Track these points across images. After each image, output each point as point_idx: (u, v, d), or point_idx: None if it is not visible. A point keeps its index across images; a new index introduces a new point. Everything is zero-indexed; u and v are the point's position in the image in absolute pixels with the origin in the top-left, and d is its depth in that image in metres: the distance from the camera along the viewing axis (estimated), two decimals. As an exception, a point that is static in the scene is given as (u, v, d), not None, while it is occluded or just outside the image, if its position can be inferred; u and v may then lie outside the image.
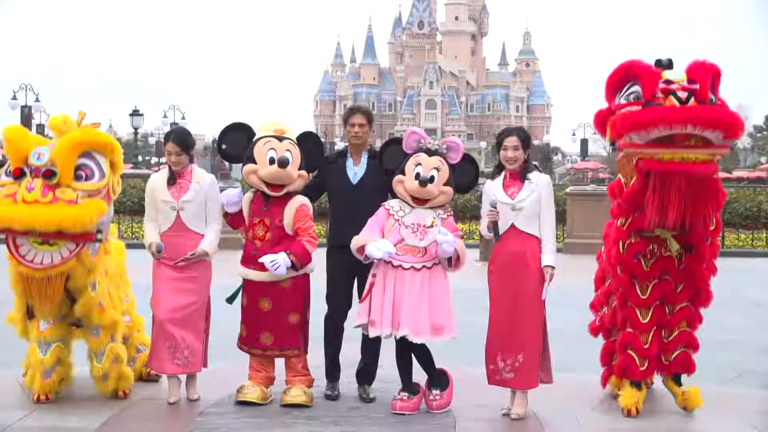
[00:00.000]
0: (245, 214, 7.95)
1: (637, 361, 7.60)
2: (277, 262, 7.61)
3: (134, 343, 8.49)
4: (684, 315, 7.70)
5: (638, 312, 7.65)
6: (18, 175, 7.26)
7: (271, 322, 7.83)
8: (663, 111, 7.01)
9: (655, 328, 7.63)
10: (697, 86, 7.12)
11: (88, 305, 7.60)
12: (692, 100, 7.04)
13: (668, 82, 7.18)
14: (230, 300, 7.97)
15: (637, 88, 7.31)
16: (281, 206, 7.82)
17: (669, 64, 7.41)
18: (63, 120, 7.63)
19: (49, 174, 7.17)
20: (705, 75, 7.27)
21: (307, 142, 8.13)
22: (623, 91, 7.44)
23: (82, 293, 7.55)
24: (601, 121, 7.72)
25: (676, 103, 7.01)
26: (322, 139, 8.67)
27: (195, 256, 7.86)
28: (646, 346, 7.59)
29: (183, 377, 8.02)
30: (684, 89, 7.08)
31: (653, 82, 7.21)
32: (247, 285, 7.91)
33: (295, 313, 7.88)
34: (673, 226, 7.24)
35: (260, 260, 7.66)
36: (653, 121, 6.99)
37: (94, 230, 7.35)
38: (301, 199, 7.90)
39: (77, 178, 7.34)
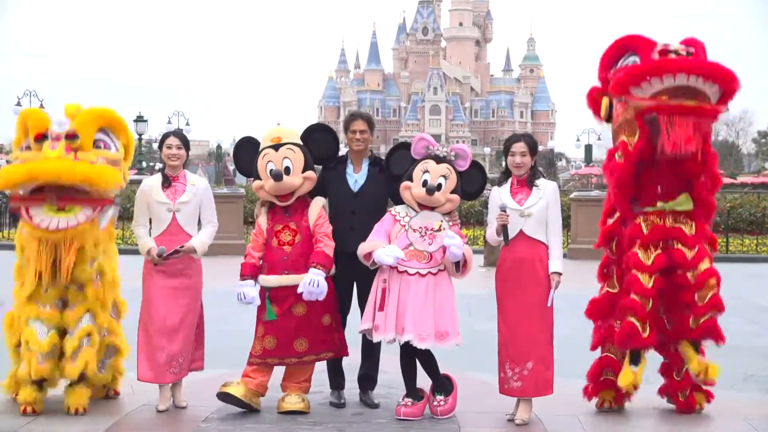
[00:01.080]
0: (263, 227, 7.89)
1: (639, 327, 7.50)
2: (314, 280, 7.56)
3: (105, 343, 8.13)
4: (708, 275, 7.59)
5: (640, 277, 7.58)
6: (39, 138, 7.48)
7: (306, 327, 7.75)
8: (667, 61, 7.30)
9: (655, 294, 7.57)
10: (693, 50, 7.46)
11: (85, 274, 7.65)
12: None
13: (666, 45, 7.46)
14: (270, 316, 7.78)
15: (634, 58, 7.52)
16: (303, 208, 7.84)
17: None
18: (77, 107, 7.78)
19: (71, 136, 7.40)
20: (698, 45, 7.59)
21: (316, 133, 8.13)
22: (619, 63, 7.66)
23: (82, 264, 7.63)
24: (594, 98, 7.88)
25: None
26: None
27: (183, 250, 7.79)
28: (648, 309, 7.51)
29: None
30: (685, 50, 7.43)
31: (651, 50, 7.45)
32: (279, 293, 7.76)
33: (327, 314, 7.85)
34: (693, 147, 7.31)
35: (300, 291, 7.58)
36: (658, 69, 7.22)
37: (112, 195, 7.59)
38: (321, 200, 7.93)
39: (95, 147, 7.58)
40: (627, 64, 7.54)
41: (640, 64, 7.44)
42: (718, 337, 7.61)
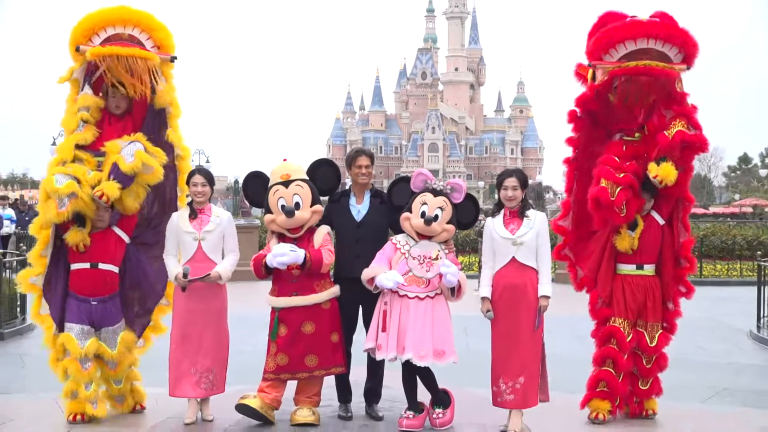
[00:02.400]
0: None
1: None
2: (292, 254, 7.54)
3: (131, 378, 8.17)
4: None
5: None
6: None
7: (315, 344, 7.72)
8: (628, 26, 7.57)
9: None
10: (658, 20, 7.61)
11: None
12: None
13: (634, 17, 7.66)
14: (274, 335, 7.76)
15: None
16: (310, 236, 7.82)
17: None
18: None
19: None
20: (667, 17, 7.70)
21: (322, 168, 8.13)
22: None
23: None
24: (579, 72, 8.01)
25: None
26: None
27: (209, 278, 7.79)
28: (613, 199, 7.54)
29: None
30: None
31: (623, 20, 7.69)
32: (289, 314, 7.72)
33: (335, 332, 7.84)
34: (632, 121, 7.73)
35: (278, 252, 7.57)
36: (620, 35, 7.53)
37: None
38: (326, 228, 7.93)
39: None
40: None
41: (607, 29, 7.65)
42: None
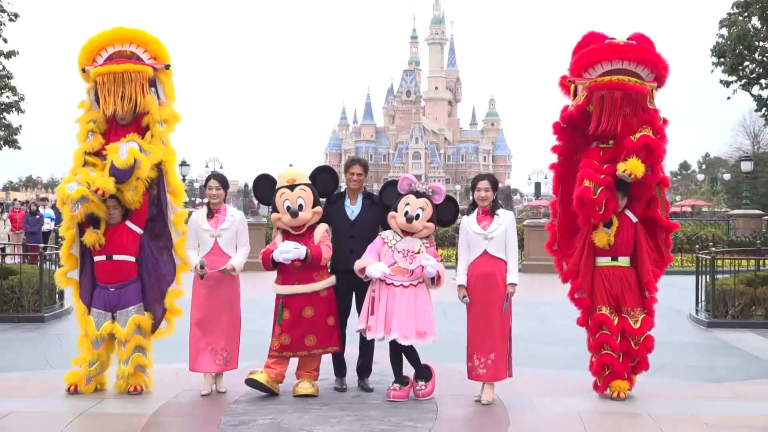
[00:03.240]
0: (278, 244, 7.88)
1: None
2: (295, 251, 7.59)
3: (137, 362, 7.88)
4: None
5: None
6: None
7: (314, 326, 7.73)
8: (604, 48, 7.52)
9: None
10: (634, 42, 7.55)
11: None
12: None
13: (612, 40, 7.63)
14: (280, 319, 7.78)
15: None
16: (310, 233, 7.83)
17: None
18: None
19: None
20: (644, 40, 7.64)
21: (322, 174, 8.14)
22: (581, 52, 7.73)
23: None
24: (564, 83, 7.92)
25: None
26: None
27: (225, 271, 7.81)
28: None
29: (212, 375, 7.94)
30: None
31: (602, 42, 7.64)
32: (291, 299, 7.73)
33: (331, 316, 7.84)
34: (608, 130, 7.53)
35: (283, 249, 7.63)
36: (597, 58, 7.49)
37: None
38: (324, 226, 7.93)
39: None
40: None
41: (586, 51, 7.60)
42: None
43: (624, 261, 7.81)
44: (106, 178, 7.53)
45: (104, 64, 7.72)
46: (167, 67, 7.96)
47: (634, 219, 7.80)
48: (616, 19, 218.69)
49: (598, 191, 7.43)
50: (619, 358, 7.70)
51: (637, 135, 7.45)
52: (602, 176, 7.51)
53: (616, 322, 7.70)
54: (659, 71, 7.59)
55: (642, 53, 7.49)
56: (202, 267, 7.76)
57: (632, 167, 7.37)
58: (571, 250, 7.98)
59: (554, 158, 8.04)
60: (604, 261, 7.82)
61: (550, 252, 8.31)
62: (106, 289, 7.79)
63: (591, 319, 7.80)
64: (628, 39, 7.68)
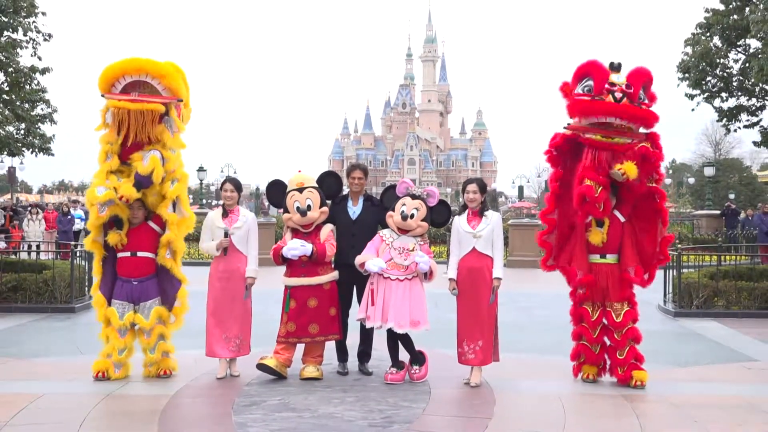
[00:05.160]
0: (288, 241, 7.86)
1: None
2: (303, 249, 7.61)
3: (162, 348, 7.90)
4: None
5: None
6: None
7: (317, 316, 7.73)
8: (601, 105, 7.31)
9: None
10: (631, 90, 7.35)
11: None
12: (625, 99, 7.29)
13: (612, 84, 7.37)
14: (287, 308, 7.78)
15: (590, 82, 7.46)
16: (317, 231, 7.84)
17: (618, 68, 7.52)
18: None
19: None
20: (639, 80, 7.45)
21: (328, 178, 8.15)
22: (582, 82, 7.55)
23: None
24: (562, 89, 7.68)
25: (613, 101, 7.28)
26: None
27: (249, 286, 7.85)
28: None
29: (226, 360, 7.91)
30: (621, 91, 7.31)
31: (602, 82, 7.40)
32: (298, 291, 7.73)
33: (333, 306, 7.83)
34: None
35: (290, 248, 7.63)
36: (594, 112, 7.34)
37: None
38: (330, 226, 7.93)
39: None
40: (585, 85, 7.47)
41: (587, 102, 7.39)
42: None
43: (612, 258, 7.73)
44: (130, 186, 7.52)
45: (121, 93, 7.54)
46: (179, 101, 7.77)
47: (622, 219, 7.73)
48: (593, 41, 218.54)
49: (599, 190, 7.39)
50: (594, 349, 7.72)
51: (638, 146, 7.37)
52: (601, 177, 7.44)
53: (594, 317, 7.68)
54: (648, 125, 7.44)
55: (632, 113, 7.30)
56: (226, 234, 7.76)
57: (627, 168, 7.30)
58: (566, 249, 7.83)
59: (552, 170, 7.79)
60: (593, 258, 7.76)
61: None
62: (129, 282, 7.76)
63: (575, 312, 7.83)
64: (628, 77, 7.42)
